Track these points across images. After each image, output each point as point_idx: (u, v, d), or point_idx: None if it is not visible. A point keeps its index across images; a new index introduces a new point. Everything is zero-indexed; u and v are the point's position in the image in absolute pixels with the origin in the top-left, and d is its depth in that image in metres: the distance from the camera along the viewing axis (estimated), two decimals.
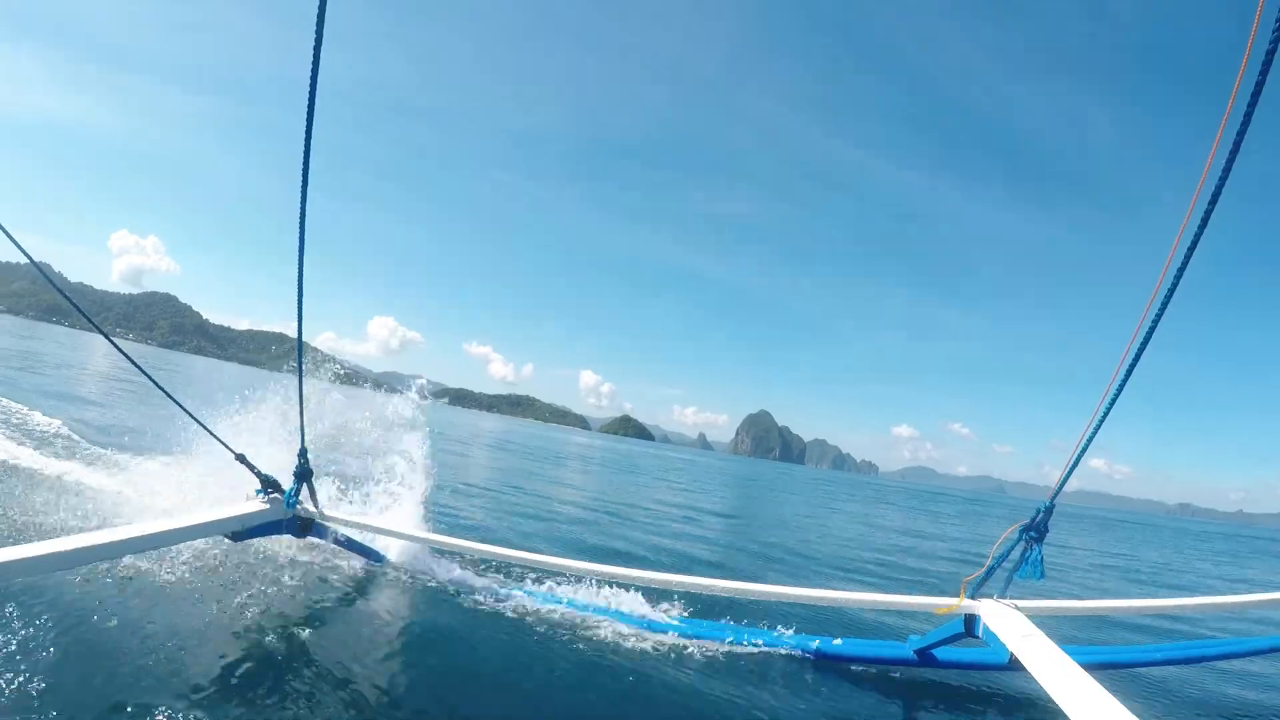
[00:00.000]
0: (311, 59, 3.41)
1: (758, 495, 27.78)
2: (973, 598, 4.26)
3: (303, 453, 4.62)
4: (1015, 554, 4.05)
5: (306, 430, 4.66)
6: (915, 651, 4.84)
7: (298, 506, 4.75)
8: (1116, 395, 3.48)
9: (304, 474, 4.67)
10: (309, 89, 3.48)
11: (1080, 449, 3.72)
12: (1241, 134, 2.76)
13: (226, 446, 4.49)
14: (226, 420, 6.41)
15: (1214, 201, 2.86)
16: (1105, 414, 3.55)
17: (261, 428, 6.42)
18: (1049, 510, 3.95)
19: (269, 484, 4.68)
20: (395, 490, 6.45)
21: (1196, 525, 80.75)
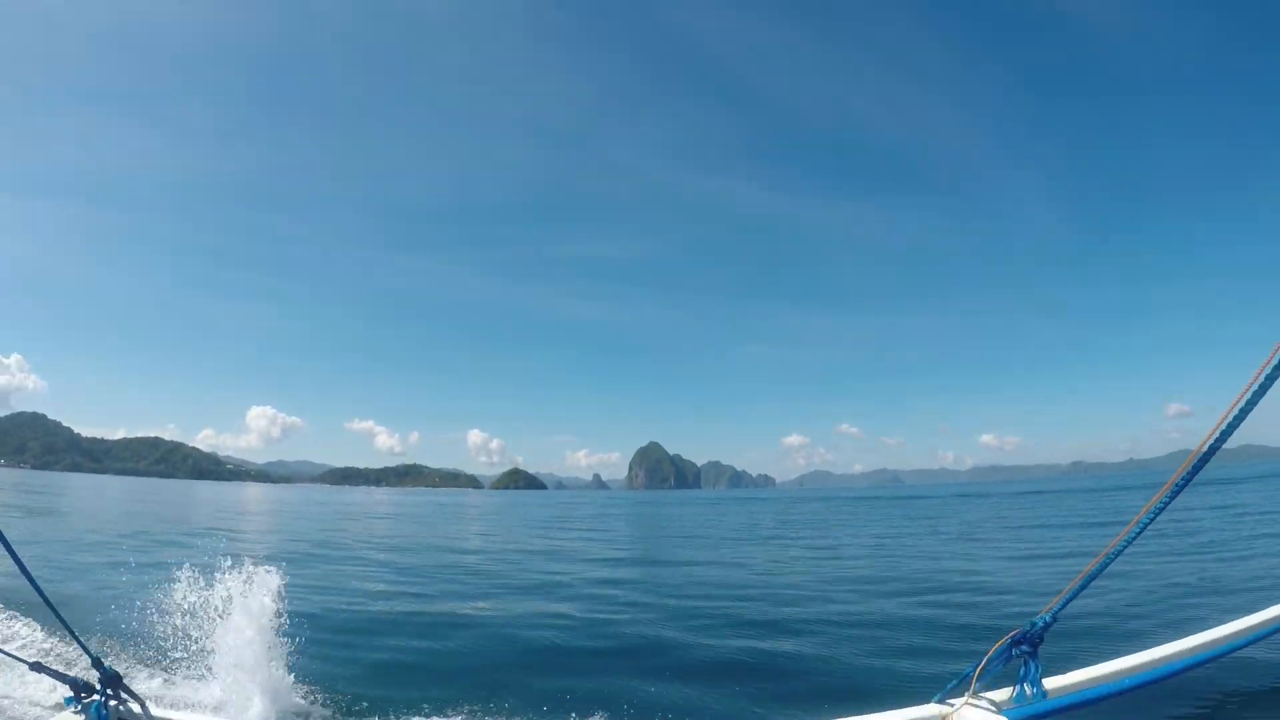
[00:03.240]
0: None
1: (647, 538, 25.31)
2: (941, 701, 3.60)
3: (96, 662, 3.96)
4: (1004, 665, 3.38)
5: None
6: None
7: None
8: None
9: (111, 680, 3.98)
10: None
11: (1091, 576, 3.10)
12: None
13: (16, 659, 4.15)
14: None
15: None
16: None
17: None
18: (1048, 625, 3.26)
19: (80, 688, 4.00)
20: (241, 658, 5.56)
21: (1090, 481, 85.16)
